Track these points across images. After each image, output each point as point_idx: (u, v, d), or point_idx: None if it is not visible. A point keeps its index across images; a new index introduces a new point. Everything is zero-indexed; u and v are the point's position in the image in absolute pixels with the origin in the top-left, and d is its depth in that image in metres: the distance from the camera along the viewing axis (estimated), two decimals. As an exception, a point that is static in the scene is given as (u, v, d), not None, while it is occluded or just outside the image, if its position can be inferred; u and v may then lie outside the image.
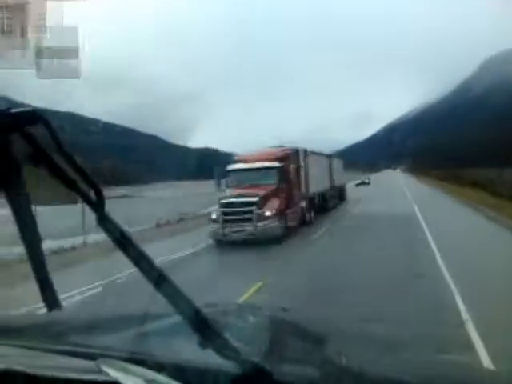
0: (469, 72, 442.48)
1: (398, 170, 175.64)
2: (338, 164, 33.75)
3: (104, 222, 0.89)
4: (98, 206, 0.89)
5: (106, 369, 0.95)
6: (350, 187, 50.78)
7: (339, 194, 33.07)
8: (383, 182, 74.60)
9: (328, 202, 26.59)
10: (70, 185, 0.88)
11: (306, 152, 22.00)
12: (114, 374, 0.93)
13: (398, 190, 48.83)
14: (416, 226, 18.24)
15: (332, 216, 24.83)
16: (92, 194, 0.90)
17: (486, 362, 4.93)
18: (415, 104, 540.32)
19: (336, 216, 25.00)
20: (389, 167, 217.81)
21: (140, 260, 0.94)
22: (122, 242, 0.92)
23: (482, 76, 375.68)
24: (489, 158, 71.58)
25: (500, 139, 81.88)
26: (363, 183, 63.64)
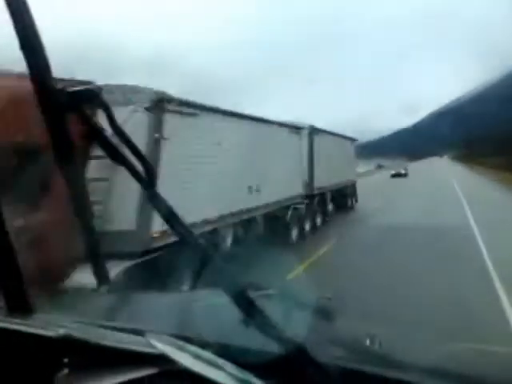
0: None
1: (446, 157, 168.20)
2: (334, 148, 18.10)
3: (154, 199, 0.92)
4: (149, 183, 0.92)
5: (154, 343, 0.98)
6: (383, 180, 44.72)
7: (339, 203, 19.26)
8: (427, 172, 62.42)
9: (278, 229, 12.10)
10: (123, 162, 0.90)
11: (157, 104, 6.63)
12: (162, 347, 0.96)
13: (443, 186, 34.96)
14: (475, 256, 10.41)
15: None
16: (143, 172, 0.91)
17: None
18: (468, 87, 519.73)
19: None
20: (435, 154, 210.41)
21: (188, 237, 0.95)
22: (170, 218, 0.93)
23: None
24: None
25: None
26: (399, 175, 53.34)
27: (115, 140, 0.89)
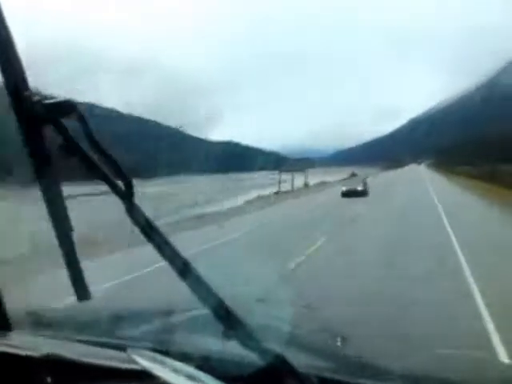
0: (502, 64, 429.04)
1: (422, 166, 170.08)
2: None
3: (132, 211, 0.90)
4: (127, 196, 0.90)
5: (136, 358, 0.97)
6: (329, 201, 32.07)
7: None
8: (401, 184, 47.68)
9: None
10: (101, 175, 0.89)
11: None
12: (144, 363, 0.96)
13: (422, 204, 24.17)
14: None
15: None
16: (122, 184, 0.91)
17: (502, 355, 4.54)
18: (443, 97, 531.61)
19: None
20: (413, 162, 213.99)
21: (166, 250, 0.94)
22: (149, 232, 0.92)
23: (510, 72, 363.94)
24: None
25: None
26: (354, 193, 34.06)
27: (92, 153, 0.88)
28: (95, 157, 0.88)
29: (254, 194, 42.75)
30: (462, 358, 1.45)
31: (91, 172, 0.89)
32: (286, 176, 54.29)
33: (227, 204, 32.41)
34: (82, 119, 0.85)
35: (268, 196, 42.39)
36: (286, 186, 50.98)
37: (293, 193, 46.54)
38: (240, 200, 36.46)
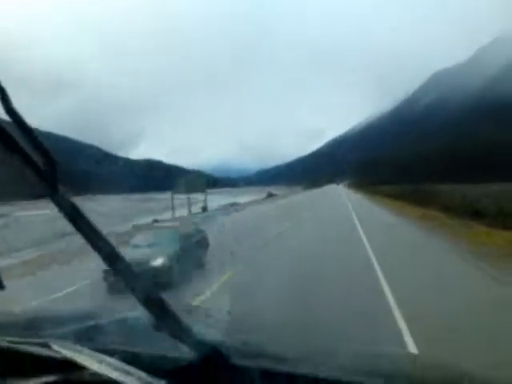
0: (413, 88, 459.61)
1: (342, 186, 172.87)
2: None
3: (55, 194, 0.83)
4: (49, 177, 0.81)
5: (56, 347, 0.94)
6: None
7: None
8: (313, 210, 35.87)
9: None
10: (20, 153, 0.80)
11: None
12: (64, 352, 0.92)
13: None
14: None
15: None
16: (42, 162, 0.81)
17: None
18: (361, 119, 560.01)
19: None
20: (333, 182, 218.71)
21: (93, 236, 0.89)
22: (74, 216, 0.86)
23: (428, 91, 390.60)
24: (442, 173, 69.80)
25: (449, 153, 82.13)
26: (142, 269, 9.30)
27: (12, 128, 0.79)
28: (15, 133, 0.79)
29: (131, 223, 31.84)
30: (375, 352, 1.54)
31: (9, 149, 0.79)
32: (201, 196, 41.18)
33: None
34: (2, 95, 0.77)
35: (142, 225, 27.46)
36: (194, 209, 38.79)
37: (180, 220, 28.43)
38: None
